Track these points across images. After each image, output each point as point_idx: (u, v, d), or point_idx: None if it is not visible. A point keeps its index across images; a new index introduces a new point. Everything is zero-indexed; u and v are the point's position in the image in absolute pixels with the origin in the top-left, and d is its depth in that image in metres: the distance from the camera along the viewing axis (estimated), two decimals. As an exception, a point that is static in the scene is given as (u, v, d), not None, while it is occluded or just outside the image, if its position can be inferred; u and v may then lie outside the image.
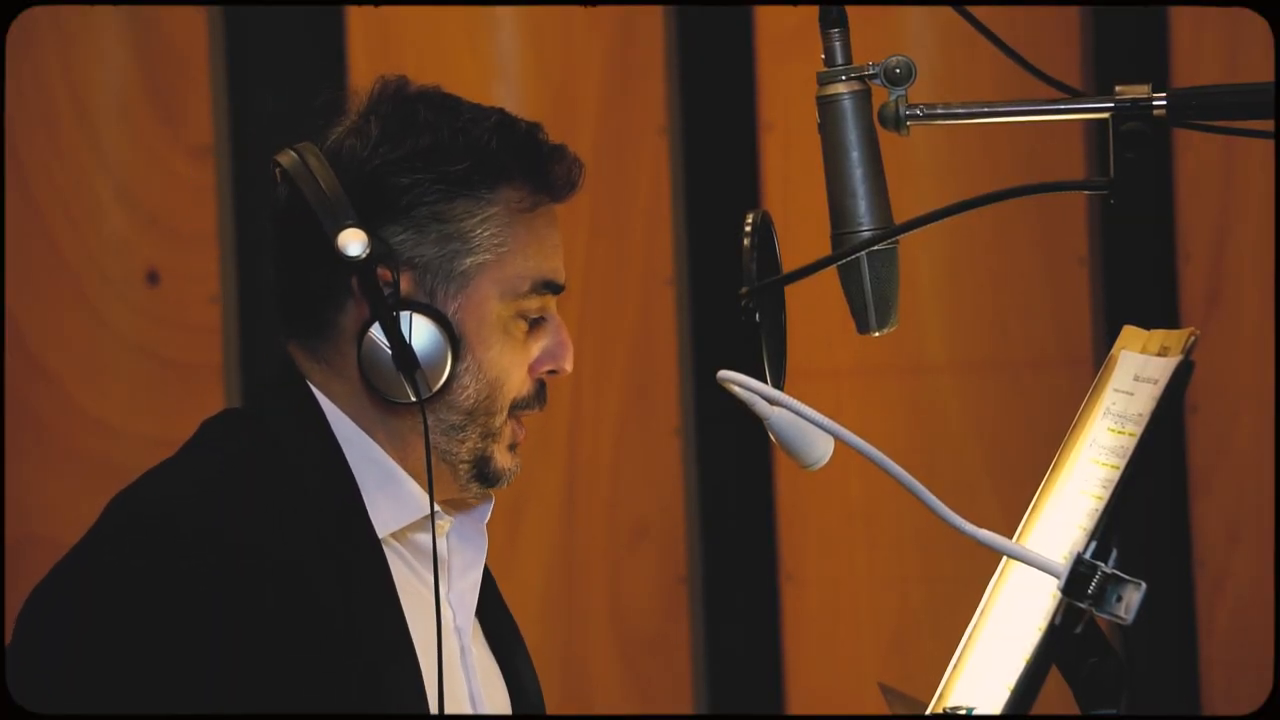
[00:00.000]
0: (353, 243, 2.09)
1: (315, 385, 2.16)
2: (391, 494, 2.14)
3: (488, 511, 2.24)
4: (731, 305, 2.04)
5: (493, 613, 2.32)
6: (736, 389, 1.96)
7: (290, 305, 2.17)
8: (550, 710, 2.26)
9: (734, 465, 4.22)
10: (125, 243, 4.09)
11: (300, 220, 2.11)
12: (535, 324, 2.18)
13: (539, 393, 2.19)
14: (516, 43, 4.11)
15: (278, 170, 2.14)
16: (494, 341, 2.14)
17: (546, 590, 4.11)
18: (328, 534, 2.08)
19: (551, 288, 2.17)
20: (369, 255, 2.09)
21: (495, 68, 4.11)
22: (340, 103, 2.17)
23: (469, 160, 2.12)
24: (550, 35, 4.12)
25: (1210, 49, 4.02)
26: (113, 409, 4.02)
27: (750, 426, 2.01)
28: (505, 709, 2.28)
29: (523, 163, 2.15)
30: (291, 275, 2.16)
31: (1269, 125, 1.99)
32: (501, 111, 2.17)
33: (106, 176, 4.09)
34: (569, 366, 2.19)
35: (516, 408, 2.17)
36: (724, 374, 1.97)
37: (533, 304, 2.16)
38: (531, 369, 2.18)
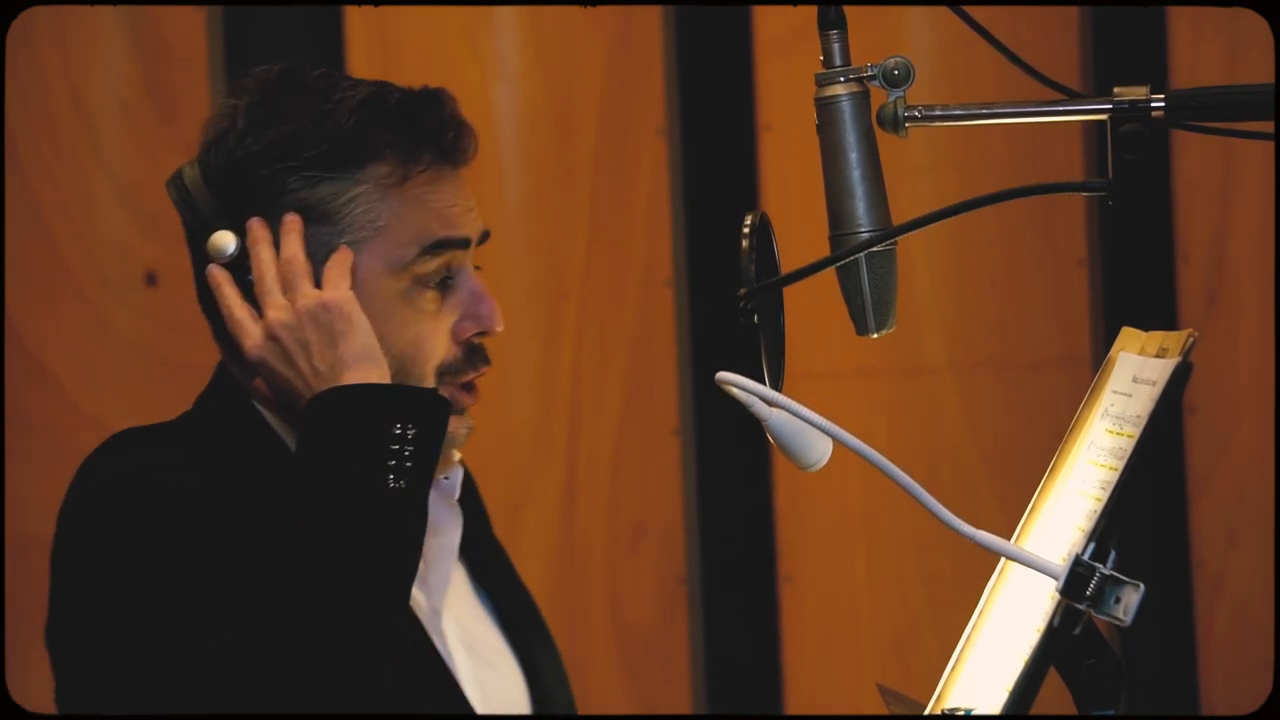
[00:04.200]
0: (223, 245, 2.09)
1: (249, 393, 2.14)
2: None
3: (456, 485, 2.21)
4: (730, 306, 2.04)
5: (509, 596, 2.29)
6: (735, 390, 1.96)
7: (211, 324, 2.16)
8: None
9: (734, 465, 4.22)
10: (125, 243, 4.09)
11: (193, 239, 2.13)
12: (446, 288, 2.14)
13: (470, 356, 2.15)
14: (516, 43, 4.11)
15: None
16: (393, 315, 2.10)
17: (546, 590, 4.10)
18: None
19: (449, 244, 2.13)
20: (236, 256, 2.08)
21: (495, 68, 4.11)
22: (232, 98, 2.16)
23: (327, 143, 2.10)
24: (550, 35, 4.12)
25: (1210, 49, 4.02)
26: (112, 409, 4.01)
27: (749, 427, 2.01)
28: (511, 692, 2.25)
29: (388, 136, 2.11)
30: (203, 295, 2.15)
31: (1269, 126, 1.98)
32: (376, 85, 2.14)
33: (106, 176, 4.09)
34: (497, 326, 2.14)
35: (445, 373, 2.13)
36: (723, 375, 1.96)
37: (429, 267, 2.12)
38: (454, 334, 2.14)
